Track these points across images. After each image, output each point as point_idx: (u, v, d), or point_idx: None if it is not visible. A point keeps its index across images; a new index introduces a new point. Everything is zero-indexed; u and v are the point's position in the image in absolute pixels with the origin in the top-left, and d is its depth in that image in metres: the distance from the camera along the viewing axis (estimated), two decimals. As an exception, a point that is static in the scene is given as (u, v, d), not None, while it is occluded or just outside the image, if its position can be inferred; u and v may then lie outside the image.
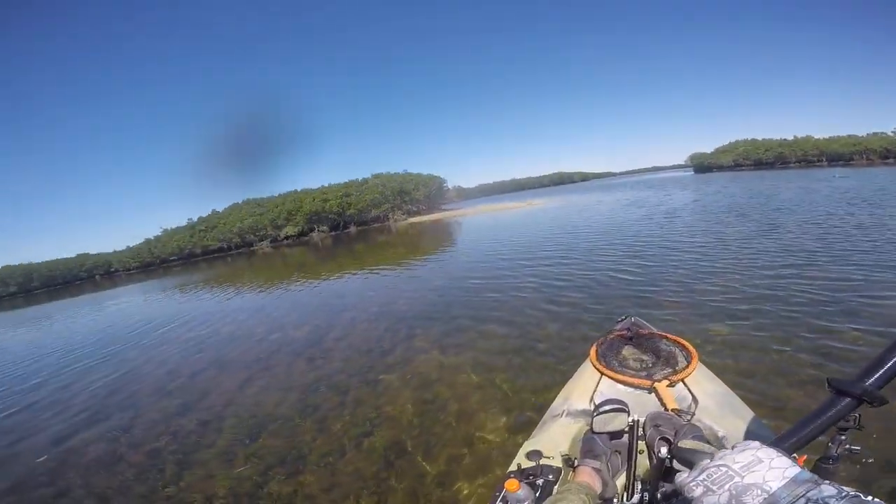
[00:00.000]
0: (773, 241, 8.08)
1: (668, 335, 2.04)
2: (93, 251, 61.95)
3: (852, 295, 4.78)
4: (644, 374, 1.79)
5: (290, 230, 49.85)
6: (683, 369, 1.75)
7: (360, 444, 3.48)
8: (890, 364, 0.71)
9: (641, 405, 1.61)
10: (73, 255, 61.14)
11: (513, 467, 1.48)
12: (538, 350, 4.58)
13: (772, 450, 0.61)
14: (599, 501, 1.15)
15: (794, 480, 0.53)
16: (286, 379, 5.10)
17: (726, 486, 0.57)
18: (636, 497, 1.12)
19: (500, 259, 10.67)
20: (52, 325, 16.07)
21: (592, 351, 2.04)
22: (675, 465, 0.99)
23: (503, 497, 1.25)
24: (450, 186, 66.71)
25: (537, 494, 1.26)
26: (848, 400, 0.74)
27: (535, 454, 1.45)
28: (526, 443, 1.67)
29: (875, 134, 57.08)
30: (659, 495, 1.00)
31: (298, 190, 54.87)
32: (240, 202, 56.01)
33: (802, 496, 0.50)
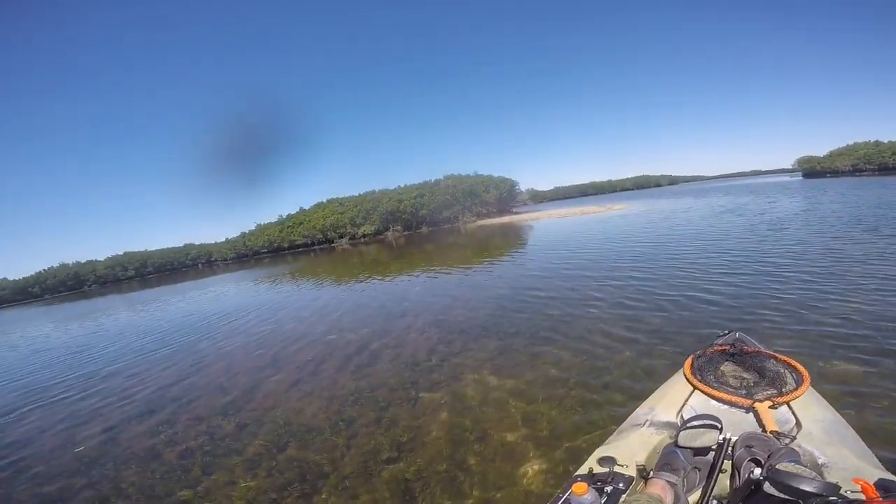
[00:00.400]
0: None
1: (778, 355, 1.93)
2: (196, 241, 69.48)
3: None
4: (744, 392, 1.72)
5: (367, 229, 51.89)
6: (791, 391, 1.66)
7: (384, 469, 3.18)
8: None
9: (735, 424, 1.55)
10: (180, 244, 69.17)
11: (583, 470, 1.45)
12: (602, 382, 3.93)
13: None
14: None
15: None
16: (330, 386, 4.95)
17: None
18: None
19: (569, 270, 9.85)
20: (150, 310, 17.94)
21: (687, 363, 2.01)
22: (768, 487, 0.94)
23: (567, 499, 1.21)
24: (522, 189, 65.08)
25: (603, 501, 1.21)
26: None
27: (608, 460, 1.42)
28: (600, 448, 1.63)
29: None
30: None
31: (376, 190, 56.95)
32: (324, 201, 59.43)
33: None
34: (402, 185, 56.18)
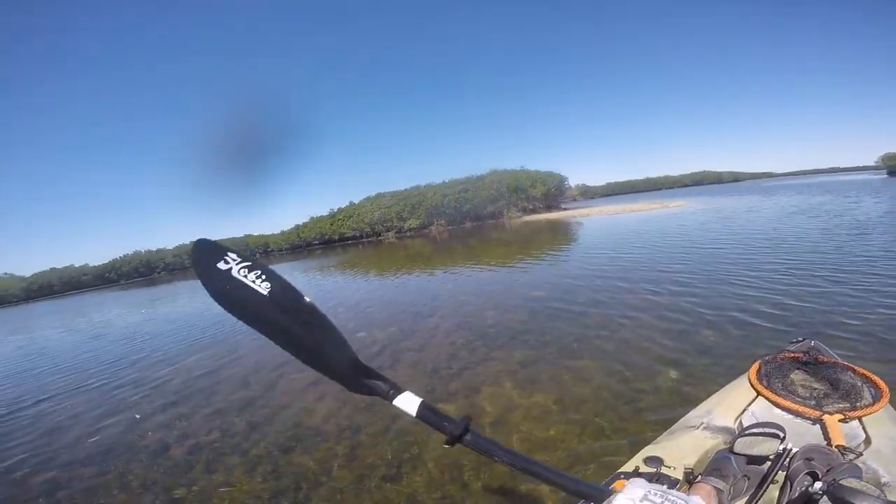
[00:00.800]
0: None
1: (857, 368, 1.82)
2: (255, 233, 73.17)
3: None
4: (813, 402, 1.63)
5: (412, 223, 52.40)
6: (866, 406, 1.55)
7: (381, 487, 2.95)
8: None
9: (799, 435, 1.47)
10: (241, 235, 73.19)
11: (628, 468, 1.44)
12: (635, 408, 3.46)
13: None
14: None
15: None
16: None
17: None
18: None
19: (614, 273, 9.13)
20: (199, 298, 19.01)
21: (753, 368, 1.93)
22: (825, 502, 0.90)
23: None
24: (572, 185, 62.86)
25: None
26: None
27: (654, 461, 1.39)
28: (648, 447, 1.59)
29: None
30: None
31: (422, 185, 57.27)
32: (372, 195, 60.67)
33: None
34: (447, 180, 56.03)
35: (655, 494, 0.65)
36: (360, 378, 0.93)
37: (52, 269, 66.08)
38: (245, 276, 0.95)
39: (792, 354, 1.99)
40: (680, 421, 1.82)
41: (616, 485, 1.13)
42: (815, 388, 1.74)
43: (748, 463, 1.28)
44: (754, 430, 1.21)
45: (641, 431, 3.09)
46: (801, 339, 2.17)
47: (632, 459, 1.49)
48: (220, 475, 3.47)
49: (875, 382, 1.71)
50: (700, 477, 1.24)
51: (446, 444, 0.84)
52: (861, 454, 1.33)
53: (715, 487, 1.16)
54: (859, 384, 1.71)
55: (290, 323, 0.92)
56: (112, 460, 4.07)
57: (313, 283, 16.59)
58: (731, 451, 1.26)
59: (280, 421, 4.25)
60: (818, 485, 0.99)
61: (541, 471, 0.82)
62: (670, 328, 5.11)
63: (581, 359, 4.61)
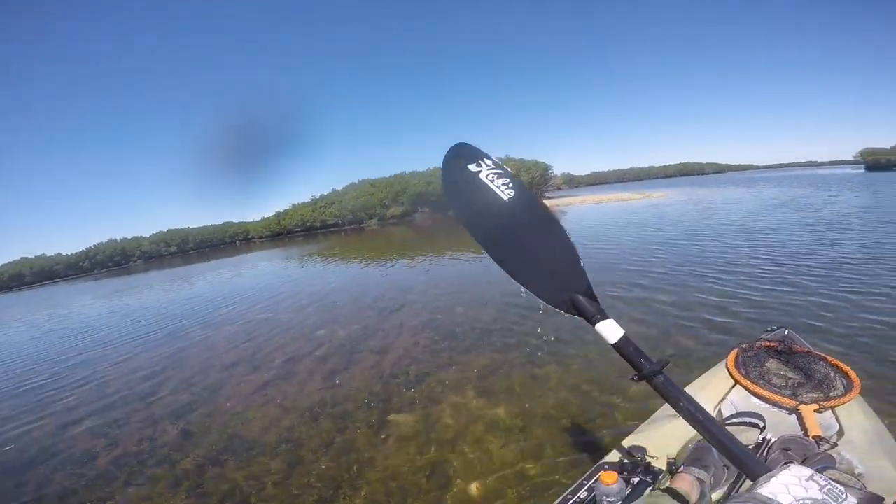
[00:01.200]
0: None
1: (829, 358, 1.81)
2: (235, 220, 71.43)
3: None
4: (789, 392, 1.65)
5: (395, 210, 51.71)
6: (838, 397, 1.58)
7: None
8: None
9: (776, 425, 1.48)
10: (220, 222, 71.39)
11: (611, 458, 1.44)
12: (608, 416, 3.19)
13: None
14: None
15: None
16: (294, 395, 4.44)
17: None
18: None
19: (591, 266, 8.89)
20: (176, 289, 18.29)
21: (731, 356, 1.94)
22: None
23: (592, 486, 1.22)
24: (556, 174, 62.74)
25: (628, 493, 1.21)
26: None
27: (638, 450, 1.38)
28: (630, 436, 1.60)
29: None
30: None
31: (406, 173, 56.40)
32: (356, 182, 59.62)
33: None
34: (431, 168, 55.26)
35: (820, 478, 0.64)
36: (574, 295, 0.99)
37: (23, 259, 63.34)
38: (492, 182, 1.02)
39: (767, 343, 2.00)
40: (661, 409, 1.79)
41: (601, 475, 1.12)
42: (790, 378, 1.75)
43: None
44: (735, 420, 1.25)
45: (609, 447, 2.81)
46: (775, 327, 2.19)
47: (615, 449, 1.47)
48: (142, 489, 3.17)
49: (846, 373, 1.73)
50: (682, 467, 1.23)
51: (635, 378, 0.94)
52: (836, 444, 1.36)
53: (697, 478, 1.16)
54: (832, 374, 1.73)
55: (520, 231, 1.02)
56: (32, 469, 3.74)
57: (287, 274, 16.12)
58: None
59: (216, 430, 3.89)
60: None
61: (716, 432, 0.85)
62: (644, 332, 4.84)
63: (548, 365, 4.29)
